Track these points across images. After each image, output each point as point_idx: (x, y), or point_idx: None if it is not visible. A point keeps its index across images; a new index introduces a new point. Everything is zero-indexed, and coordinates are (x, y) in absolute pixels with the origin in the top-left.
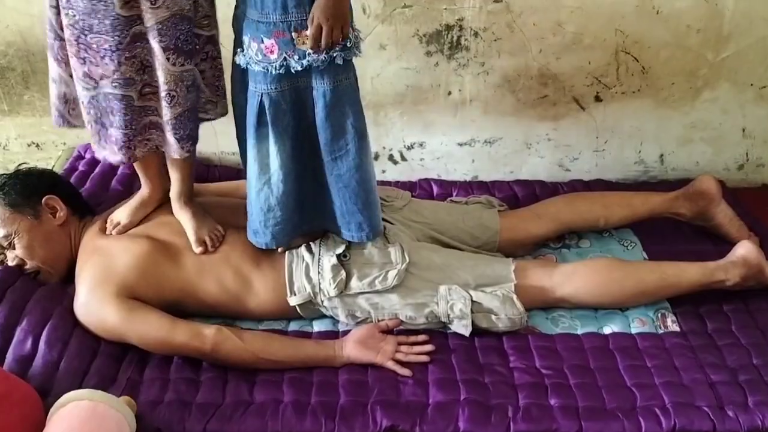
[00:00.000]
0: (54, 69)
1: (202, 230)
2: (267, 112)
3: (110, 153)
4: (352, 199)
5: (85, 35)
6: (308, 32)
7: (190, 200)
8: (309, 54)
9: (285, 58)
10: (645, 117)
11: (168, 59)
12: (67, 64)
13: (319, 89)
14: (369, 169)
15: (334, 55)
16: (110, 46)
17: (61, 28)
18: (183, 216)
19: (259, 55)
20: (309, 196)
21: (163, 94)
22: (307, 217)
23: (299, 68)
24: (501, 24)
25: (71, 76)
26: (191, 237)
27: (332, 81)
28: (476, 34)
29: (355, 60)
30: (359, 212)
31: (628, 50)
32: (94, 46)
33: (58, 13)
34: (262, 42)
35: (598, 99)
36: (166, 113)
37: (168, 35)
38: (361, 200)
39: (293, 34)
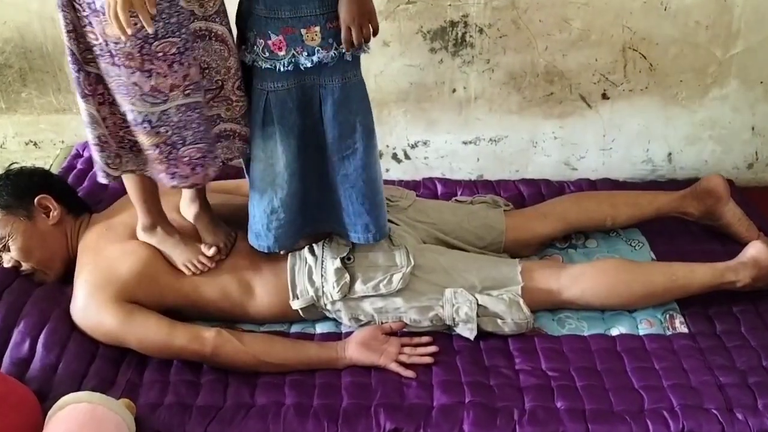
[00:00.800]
0: (85, 109)
1: (219, 236)
2: (273, 110)
3: (180, 178)
4: (359, 199)
5: (150, 44)
6: (317, 29)
7: (207, 203)
8: (318, 50)
9: (294, 54)
10: (653, 115)
11: (235, 45)
12: (94, 96)
13: (328, 86)
14: (376, 169)
15: (343, 51)
16: (177, 49)
17: (83, 59)
18: (200, 220)
19: (266, 51)
20: (313, 198)
21: (236, 85)
22: (311, 219)
23: (309, 65)
24: (506, 20)
25: (97, 109)
26: (207, 241)
27: (341, 78)
28: (481, 31)
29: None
30: (366, 213)
31: (635, 47)
32: (160, 54)
33: (77, 39)
34: (270, 38)
35: (605, 96)
36: (239, 108)
37: (226, 19)
38: (368, 201)
39: (302, 30)
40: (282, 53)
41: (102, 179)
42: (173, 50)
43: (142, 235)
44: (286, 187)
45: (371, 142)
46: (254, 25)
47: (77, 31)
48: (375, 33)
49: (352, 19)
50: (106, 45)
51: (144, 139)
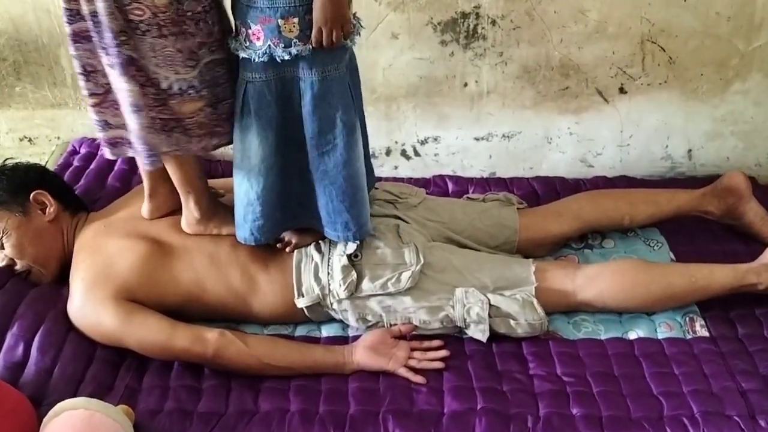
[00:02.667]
0: (128, 95)
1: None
2: (250, 101)
3: (221, 136)
4: (339, 197)
5: (181, 3)
6: (295, 20)
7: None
8: (295, 43)
9: (270, 46)
10: (672, 110)
11: None
12: (136, 78)
13: (307, 80)
14: (357, 166)
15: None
16: (203, 7)
17: (120, 42)
18: (216, 217)
19: (246, 41)
20: (293, 193)
21: None
22: (291, 215)
23: (286, 57)
24: (520, 11)
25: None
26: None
27: (320, 71)
28: (494, 23)
29: (366, 50)
30: (346, 211)
31: (654, 39)
32: (189, 13)
33: (117, 19)
34: (249, 28)
35: (622, 91)
36: None
37: None
38: (348, 198)
39: (280, 20)
40: (259, 43)
41: (149, 166)
42: (199, 8)
43: (196, 228)
44: (261, 180)
45: (352, 138)
46: (238, 14)
47: (121, 10)
48: (346, 37)
49: (324, 21)
50: (155, 17)
51: (189, 108)
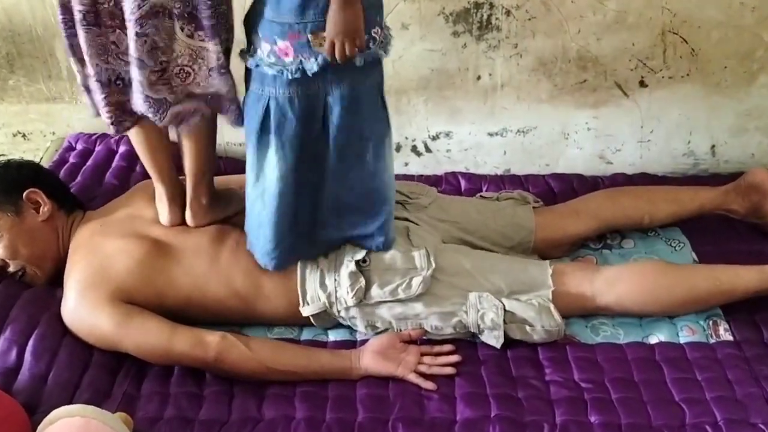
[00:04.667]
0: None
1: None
2: (272, 118)
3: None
4: (366, 210)
5: None
6: (324, 35)
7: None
8: (325, 57)
9: (301, 61)
10: (695, 104)
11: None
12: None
13: (335, 93)
14: (385, 177)
15: (354, 59)
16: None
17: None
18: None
19: (272, 57)
20: (304, 217)
21: (175, 71)
22: (306, 240)
23: (315, 69)
24: (536, 1)
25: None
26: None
27: (349, 84)
28: (508, 13)
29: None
30: (372, 223)
31: (676, 30)
32: None
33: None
34: (276, 44)
35: (642, 84)
36: (180, 90)
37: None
38: (377, 212)
39: (309, 36)
40: (289, 59)
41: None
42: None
43: (203, 218)
44: (274, 201)
45: (381, 149)
46: (261, 28)
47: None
48: (360, 50)
49: (336, 34)
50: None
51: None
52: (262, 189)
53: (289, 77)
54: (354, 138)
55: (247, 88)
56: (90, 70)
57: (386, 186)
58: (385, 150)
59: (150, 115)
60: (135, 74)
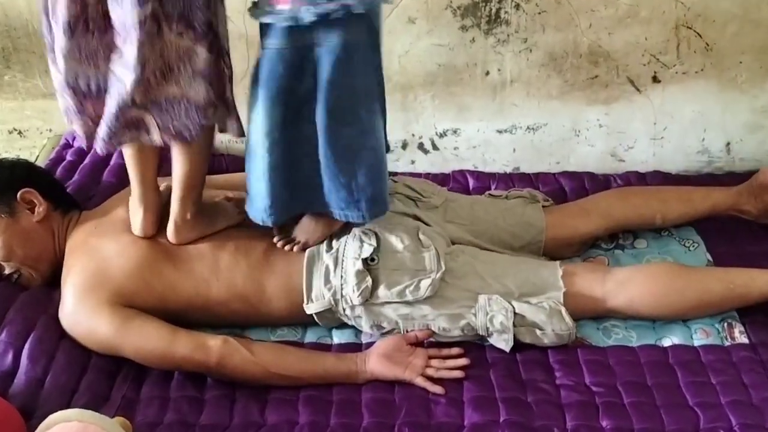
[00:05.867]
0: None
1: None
2: (261, 70)
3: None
4: (364, 171)
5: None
6: None
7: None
8: (320, 2)
9: (293, 8)
10: (709, 100)
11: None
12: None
13: (328, 45)
14: (379, 135)
15: (350, 2)
16: None
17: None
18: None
19: (267, 6)
20: (304, 173)
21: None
22: (303, 198)
23: (312, 18)
24: None
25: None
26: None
27: (342, 36)
28: (518, 6)
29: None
30: (371, 186)
31: (690, 24)
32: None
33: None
34: None
35: (655, 80)
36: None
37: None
38: (373, 171)
39: None
40: (282, 6)
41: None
42: None
43: (185, 235)
44: (267, 156)
45: (373, 105)
46: None
47: None
48: None
49: None
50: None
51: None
52: (254, 142)
53: (278, 25)
54: (345, 93)
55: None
56: (73, 79)
57: (382, 144)
58: (377, 106)
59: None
60: (127, 80)
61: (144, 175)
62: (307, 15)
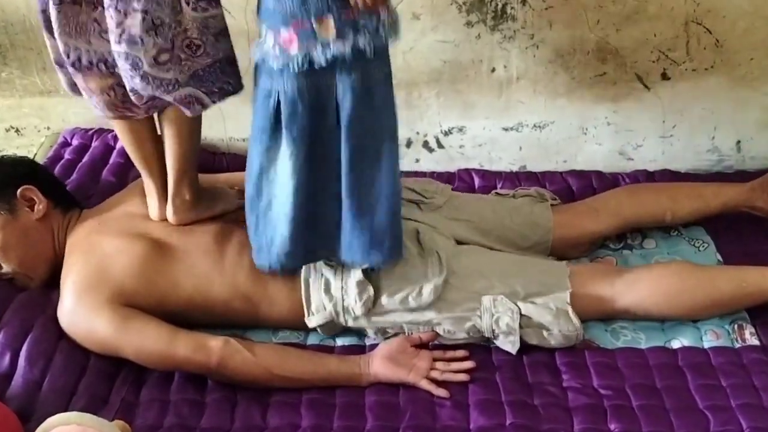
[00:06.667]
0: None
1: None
2: (282, 112)
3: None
4: (388, 211)
5: None
6: (330, 20)
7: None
8: (333, 43)
9: (307, 52)
10: (719, 98)
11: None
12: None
13: (347, 85)
14: (398, 173)
15: (362, 44)
16: None
17: None
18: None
19: (277, 49)
20: (327, 215)
21: (185, 43)
22: (323, 242)
23: (323, 63)
24: None
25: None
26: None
27: (360, 74)
28: (524, 2)
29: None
30: (393, 226)
31: (699, 20)
32: None
33: None
34: (279, 33)
35: (665, 77)
36: (187, 67)
37: None
38: (395, 212)
39: (314, 23)
40: (294, 51)
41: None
42: None
43: (185, 216)
44: (291, 200)
45: (395, 146)
46: (265, 17)
47: None
48: (373, 6)
49: None
50: None
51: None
52: (276, 186)
53: (296, 70)
54: (368, 132)
55: (256, 84)
56: (66, 52)
57: (399, 184)
58: (396, 146)
59: (159, 94)
60: (127, 54)
61: (149, 160)
62: (322, 58)
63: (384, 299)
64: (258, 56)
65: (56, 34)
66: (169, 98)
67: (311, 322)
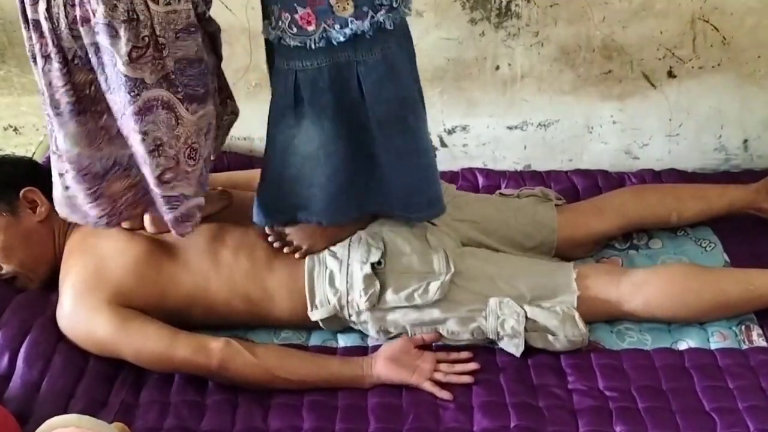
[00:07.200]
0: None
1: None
2: (303, 91)
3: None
4: (419, 174)
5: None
6: None
7: None
8: (351, 21)
9: (324, 29)
10: (726, 96)
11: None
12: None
13: (368, 62)
14: (428, 138)
15: (381, 19)
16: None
17: None
18: None
19: (293, 27)
20: (361, 177)
21: (188, 154)
22: (357, 202)
23: (342, 39)
24: None
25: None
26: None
27: (381, 50)
28: None
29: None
30: (429, 187)
31: (706, 17)
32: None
33: None
34: (296, 12)
35: (671, 75)
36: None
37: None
38: (428, 172)
39: (331, 0)
40: (312, 28)
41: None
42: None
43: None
44: (322, 166)
45: (420, 109)
46: None
47: None
48: None
49: None
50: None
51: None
52: (305, 155)
53: (313, 47)
54: (394, 106)
55: (270, 66)
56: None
57: (431, 146)
58: (423, 110)
59: (164, 214)
60: (144, 170)
61: None
62: (340, 35)
63: (389, 295)
64: (273, 36)
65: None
66: (170, 217)
67: (314, 315)
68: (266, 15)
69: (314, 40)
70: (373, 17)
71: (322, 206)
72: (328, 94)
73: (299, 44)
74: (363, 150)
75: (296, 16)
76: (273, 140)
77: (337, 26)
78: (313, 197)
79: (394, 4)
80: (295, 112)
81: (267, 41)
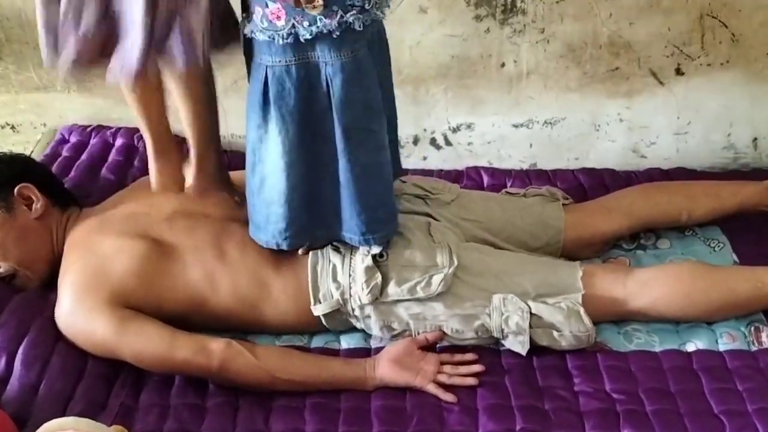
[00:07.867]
0: None
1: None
2: (270, 88)
3: None
4: (382, 190)
5: None
6: None
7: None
8: (320, 19)
9: (293, 24)
10: (735, 93)
11: None
12: None
13: (335, 63)
14: (388, 151)
15: (351, 20)
16: None
17: None
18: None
19: (264, 21)
20: (325, 197)
21: None
22: (323, 222)
23: (309, 36)
24: None
25: None
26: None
27: (349, 51)
28: None
29: (391, 26)
30: (389, 204)
31: (715, 14)
32: None
33: None
34: (267, 6)
35: (679, 72)
36: None
37: None
38: (388, 189)
39: None
40: (281, 23)
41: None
42: None
43: (210, 187)
44: (283, 177)
45: (382, 119)
46: None
47: None
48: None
49: None
50: None
51: None
52: (269, 163)
53: (281, 42)
54: (361, 112)
55: (248, 62)
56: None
57: (389, 161)
58: (385, 122)
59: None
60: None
61: (150, 118)
62: (307, 32)
63: (391, 287)
64: (247, 30)
65: None
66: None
67: (317, 310)
68: (244, 9)
69: (282, 35)
70: (342, 17)
71: (281, 226)
72: (294, 96)
73: (268, 38)
74: (328, 165)
75: (267, 11)
76: (246, 140)
77: (305, 23)
78: (270, 216)
79: (366, 6)
80: (263, 113)
81: (245, 37)
